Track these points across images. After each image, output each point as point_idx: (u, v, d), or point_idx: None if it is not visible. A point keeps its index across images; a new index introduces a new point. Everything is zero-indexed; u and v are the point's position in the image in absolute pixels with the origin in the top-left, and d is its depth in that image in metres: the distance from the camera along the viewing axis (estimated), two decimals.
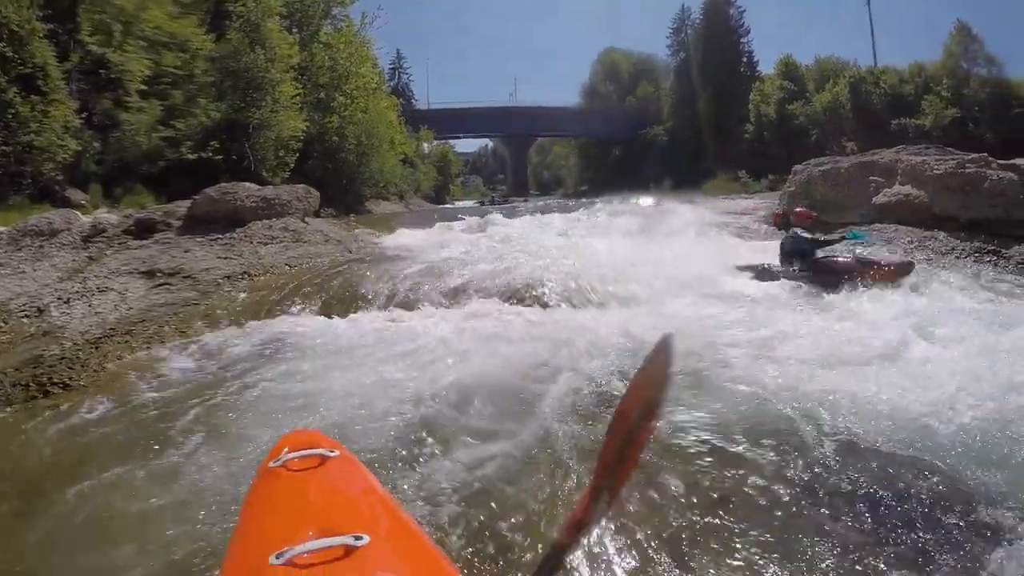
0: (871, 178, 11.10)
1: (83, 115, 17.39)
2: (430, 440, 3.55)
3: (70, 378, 5.10)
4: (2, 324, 6.88)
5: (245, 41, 24.52)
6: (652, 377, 1.17)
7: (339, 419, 3.84)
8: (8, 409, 4.74)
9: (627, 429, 1.17)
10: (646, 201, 22.65)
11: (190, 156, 20.70)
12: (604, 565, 2.49)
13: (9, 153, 14.88)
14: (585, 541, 1.90)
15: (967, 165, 10.18)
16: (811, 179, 11.66)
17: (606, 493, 1.17)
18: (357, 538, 1.26)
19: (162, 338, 6.06)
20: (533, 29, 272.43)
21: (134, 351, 5.69)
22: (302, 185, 13.10)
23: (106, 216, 11.23)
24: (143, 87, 19.70)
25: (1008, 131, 36.18)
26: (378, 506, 1.62)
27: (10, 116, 14.95)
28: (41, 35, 16.08)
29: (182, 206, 11.05)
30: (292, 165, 25.65)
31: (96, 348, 5.76)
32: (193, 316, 6.83)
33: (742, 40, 65.57)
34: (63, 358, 5.53)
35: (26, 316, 7.06)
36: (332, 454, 1.81)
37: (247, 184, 12.13)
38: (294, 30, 29.75)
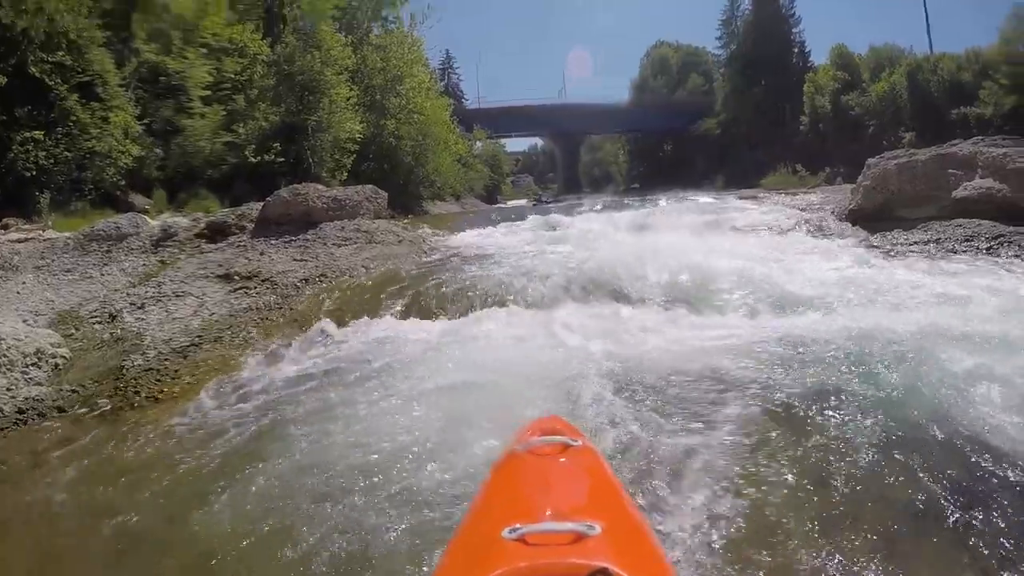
0: (949, 171, 10.35)
1: (144, 122, 17.32)
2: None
3: (160, 391, 4.65)
4: (74, 330, 6.48)
5: (300, 45, 24.41)
6: None
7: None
8: (94, 425, 4.29)
9: None
10: (706, 198, 21.93)
11: (252, 160, 20.62)
12: None
13: (71, 159, 14.80)
14: None
15: None
16: (886, 172, 10.88)
17: None
18: (589, 527, 1.24)
19: (253, 344, 5.59)
20: (582, 25, 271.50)
21: (226, 359, 5.22)
22: (370, 185, 12.68)
23: (176, 220, 10.90)
24: (206, 92, 19.72)
25: None
26: (612, 498, 1.62)
27: (71, 123, 14.92)
28: (100, 43, 16.04)
29: (254, 208, 10.69)
30: (350, 167, 25.48)
31: (184, 358, 5.30)
32: (279, 320, 6.35)
33: (793, 30, 64.07)
34: (148, 369, 5.09)
35: (98, 322, 6.65)
36: (575, 443, 1.84)
37: (316, 185, 11.73)
38: (344, 33, 29.56)
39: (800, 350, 4.42)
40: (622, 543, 1.31)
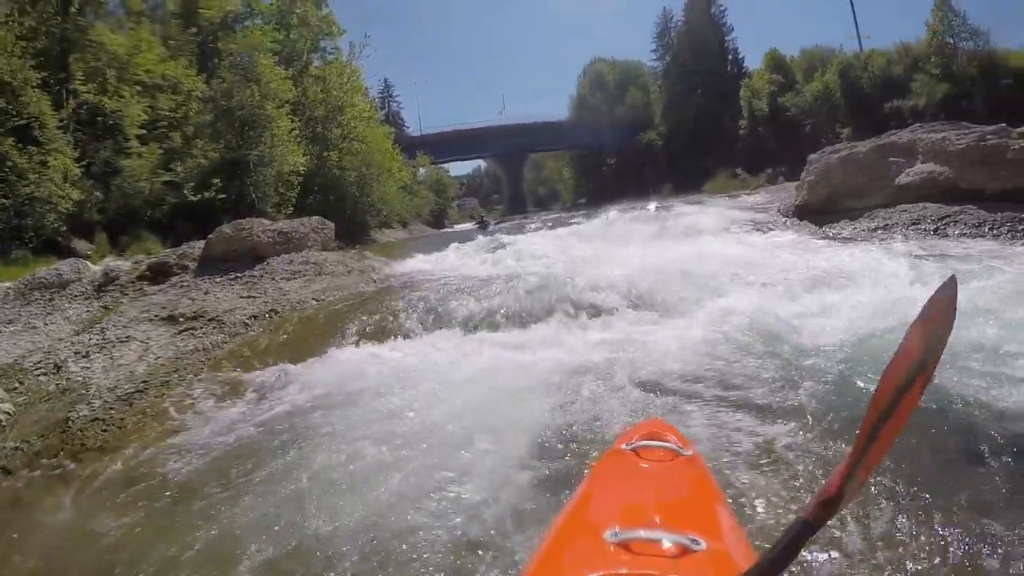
0: (891, 160, 10.81)
1: (83, 164, 17.04)
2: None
3: (106, 442, 4.59)
4: (18, 384, 6.34)
5: (237, 79, 24.28)
6: (926, 333, 1.01)
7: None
8: (41, 484, 4.21)
9: (890, 396, 1.02)
10: (651, 208, 22.15)
11: (193, 198, 20.38)
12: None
13: (8, 207, 14.47)
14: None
15: (987, 137, 9.96)
16: (829, 166, 11.31)
17: (860, 468, 1.03)
18: (694, 541, 1.21)
19: (200, 386, 5.52)
20: (518, 45, 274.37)
21: (173, 405, 5.15)
22: (316, 217, 12.62)
23: (117, 263, 10.74)
24: (141, 131, 19.54)
25: (1000, 101, 35.16)
26: (717, 513, 1.58)
27: (8, 169, 14.61)
28: (34, 85, 15.76)
29: (195, 247, 10.52)
30: (294, 200, 25.31)
31: (130, 405, 5.24)
32: (227, 360, 6.29)
33: (726, 38, 66.17)
34: (94, 419, 5.02)
35: (43, 374, 6.51)
36: (684, 452, 1.81)
37: (261, 220, 11.62)
38: (283, 66, 29.46)
39: (801, 338, 4.75)
40: (727, 563, 1.25)
